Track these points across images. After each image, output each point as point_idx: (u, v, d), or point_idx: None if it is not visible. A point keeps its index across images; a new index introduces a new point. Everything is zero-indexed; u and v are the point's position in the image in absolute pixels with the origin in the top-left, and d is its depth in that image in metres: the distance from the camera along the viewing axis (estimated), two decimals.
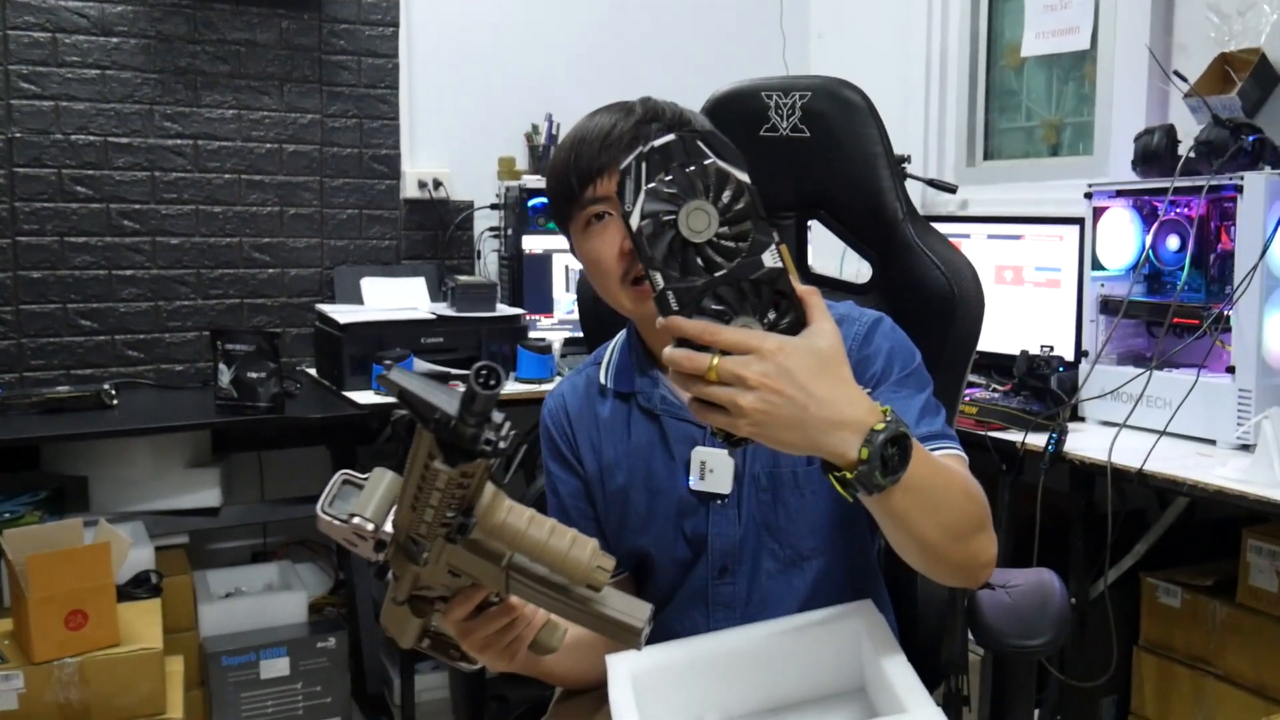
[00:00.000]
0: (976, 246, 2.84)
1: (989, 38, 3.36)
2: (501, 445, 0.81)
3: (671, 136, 0.93)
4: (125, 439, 2.74)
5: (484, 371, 0.77)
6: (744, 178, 0.91)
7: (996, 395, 2.50)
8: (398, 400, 0.81)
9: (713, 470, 1.26)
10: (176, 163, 3.07)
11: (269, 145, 3.16)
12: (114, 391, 2.76)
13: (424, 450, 0.84)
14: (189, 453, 2.90)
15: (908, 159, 3.19)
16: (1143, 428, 2.17)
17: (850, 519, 1.30)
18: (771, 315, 0.93)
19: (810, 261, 1.74)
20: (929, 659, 1.44)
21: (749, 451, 1.28)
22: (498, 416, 0.81)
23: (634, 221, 0.91)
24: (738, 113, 1.64)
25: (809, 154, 1.62)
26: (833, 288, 1.68)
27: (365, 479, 1.00)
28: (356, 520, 0.96)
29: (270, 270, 3.21)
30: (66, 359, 3.00)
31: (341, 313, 2.91)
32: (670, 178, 0.91)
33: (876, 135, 1.60)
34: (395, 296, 3.18)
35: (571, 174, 1.24)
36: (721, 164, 0.91)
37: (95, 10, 2.94)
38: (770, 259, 0.92)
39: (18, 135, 2.89)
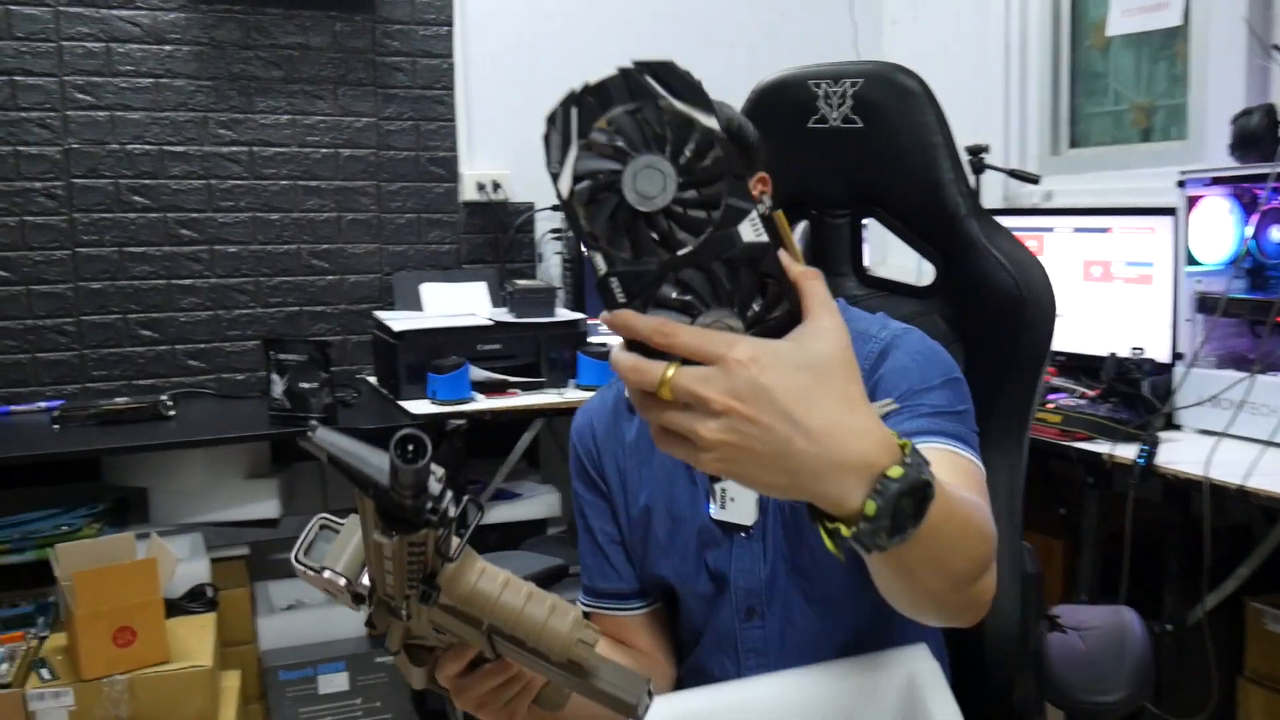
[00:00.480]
0: (1061, 241, 2.66)
1: (1072, 17, 3.16)
2: (450, 512, 0.74)
3: (612, 71, 0.68)
4: (183, 450, 2.72)
5: (405, 444, 0.69)
6: (711, 123, 0.68)
7: (1083, 402, 2.33)
8: (330, 464, 0.74)
9: (734, 499, 1.14)
10: (232, 170, 3.03)
11: (324, 150, 3.12)
12: (171, 402, 2.74)
13: (369, 516, 0.76)
14: (248, 463, 2.86)
15: (986, 149, 3.01)
16: (1245, 437, 2.00)
17: None
18: (755, 307, 0.69)
19: (866, 262, 1.61)
20: (998, 705, 1.30)
21: None
22: (435, 485, 0.73)
23: (563, 186, 0.68)
24: (783, 104, 1.51)
25: (862, 146, 1.49)
26: (891, 291, 1.54)
27: (341, 524, 0.91)
28: (328, 574, 0.88)
29: (329, 277, 3.16)
30: (128, 369, 2.98)
31: (398, 320, 2.85)
32: (611, 126, 0.67)
33: (935, 124, 1.46)
34: (455, 302, 3.11)
35: None
36: (680, 105, 0.67)
37: (148, 19, 2.91)
38: (751, 231, 0.68)
39: (74, 146, 2.88)
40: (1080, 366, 2.48)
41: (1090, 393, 2.36)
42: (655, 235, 0.67)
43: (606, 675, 0.88)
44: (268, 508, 2.84)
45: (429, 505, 0.73)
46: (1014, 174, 2.98)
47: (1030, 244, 2.66)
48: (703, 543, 1.18)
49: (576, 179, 0.67)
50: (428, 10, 3.18)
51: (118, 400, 2.77)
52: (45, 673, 2.19)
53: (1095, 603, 2.19)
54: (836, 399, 0.66)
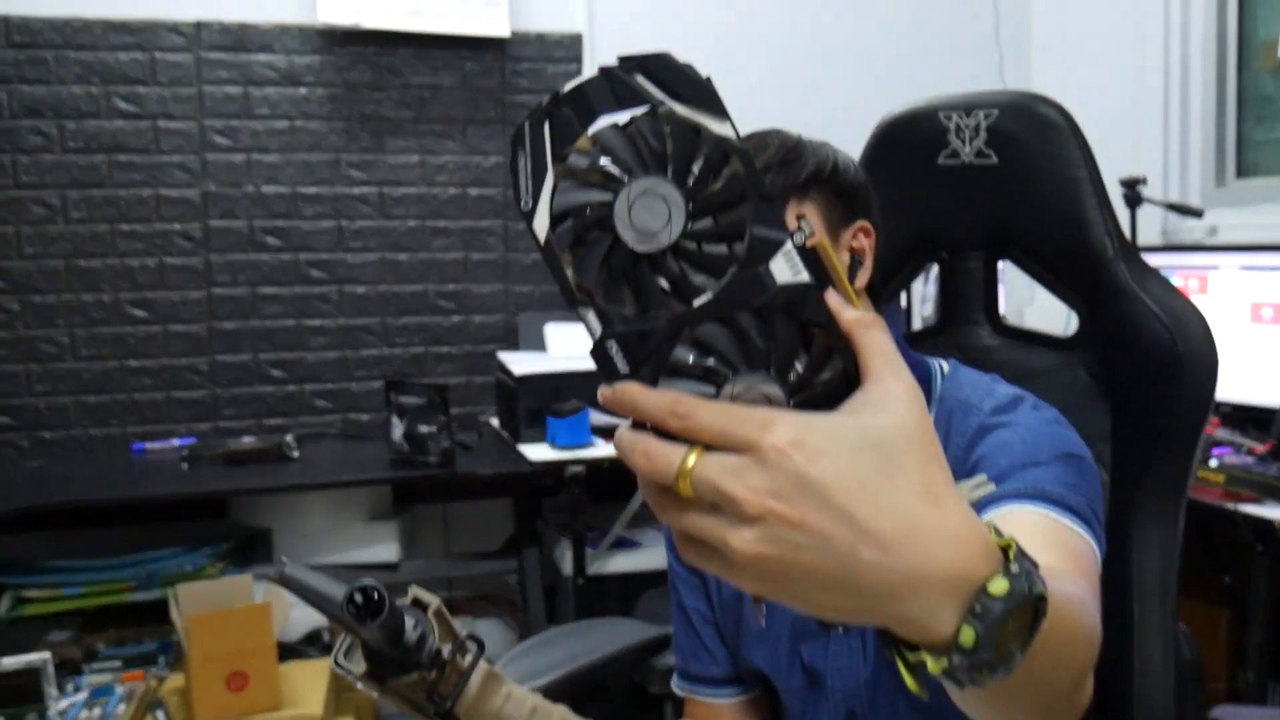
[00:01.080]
0: (1228, 280, 2.44)
1: (1239, 37, 2.93)
2: (442, 653, 0.70)
3: (593, 73, 0.52)
4: (306, 492, 2.72)
5: (356, 601, 0.65)
6: (724, 130, 0.52)
7: (1250, 459, 2.12)
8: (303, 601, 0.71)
9: None
10: (362, 211, 3.05)
11: (453, 190, 3.11)
12: (295, 443, 2.75)
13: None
14: (370, 505, 2.85)
15: (1143, 180, 2.80)
16: None
17: None
18: (798, 368, 0.52)
19: (1002, 309, 1.47)
20: None
21: None
22: (412, 633, 0.68)
23: (539, 227, 0.52)
24: (912, 138, 1.40)
25: (997, 182, 1.36)
26: (1029, 341, 1.40)
27: None
28: (361, 686, 0.83)
29: (455, 317, 3.14)
30: (258, 408, 3.02)
31: (518, 362, 2.80)
32: (596, 144, 0.52)
33: (1079, 157, 1.32)
34: (580, 342, 3.05)
35: None
36: (682, 110, 0.51)
37: (284, 63, 2.96)
38: (787, 269, 0.52)
39: (212, 190, 2.94)
40: (1248, 418, 2.27)
41: (1259, 448, 2.15)
42: (663, 282, 0.52)
43: None
44: (388, 551, 2.82)
45: (408, 652, 0.69)
46: (1174, 207, 2.76)
47: (1193, 283, 2.48)
48: (796, 635, 1.06)
49: (556, 218, 0.52)
50: (557, 48, 3.15)
51: (245, 440, 2.80)
52: (161, 714, 2.20)
53: (1264, 683, 1.98)
54: (913, 490, 0.50)
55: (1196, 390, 1.22)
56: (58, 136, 2.84)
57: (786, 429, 0.49)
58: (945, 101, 1.40)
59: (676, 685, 1.18)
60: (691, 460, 0.49)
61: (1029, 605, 0.52)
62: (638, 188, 0.51)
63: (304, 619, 2.52)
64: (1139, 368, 1.25)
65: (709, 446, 0.49)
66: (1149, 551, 1.23)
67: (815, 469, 0.48)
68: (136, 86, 2.87)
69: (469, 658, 0.74)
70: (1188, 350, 1.22)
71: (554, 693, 1.18)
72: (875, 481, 0.49)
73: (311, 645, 2.50)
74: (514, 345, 3.13)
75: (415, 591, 0.73)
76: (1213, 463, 2.09)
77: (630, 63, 0.52)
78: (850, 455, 0.49)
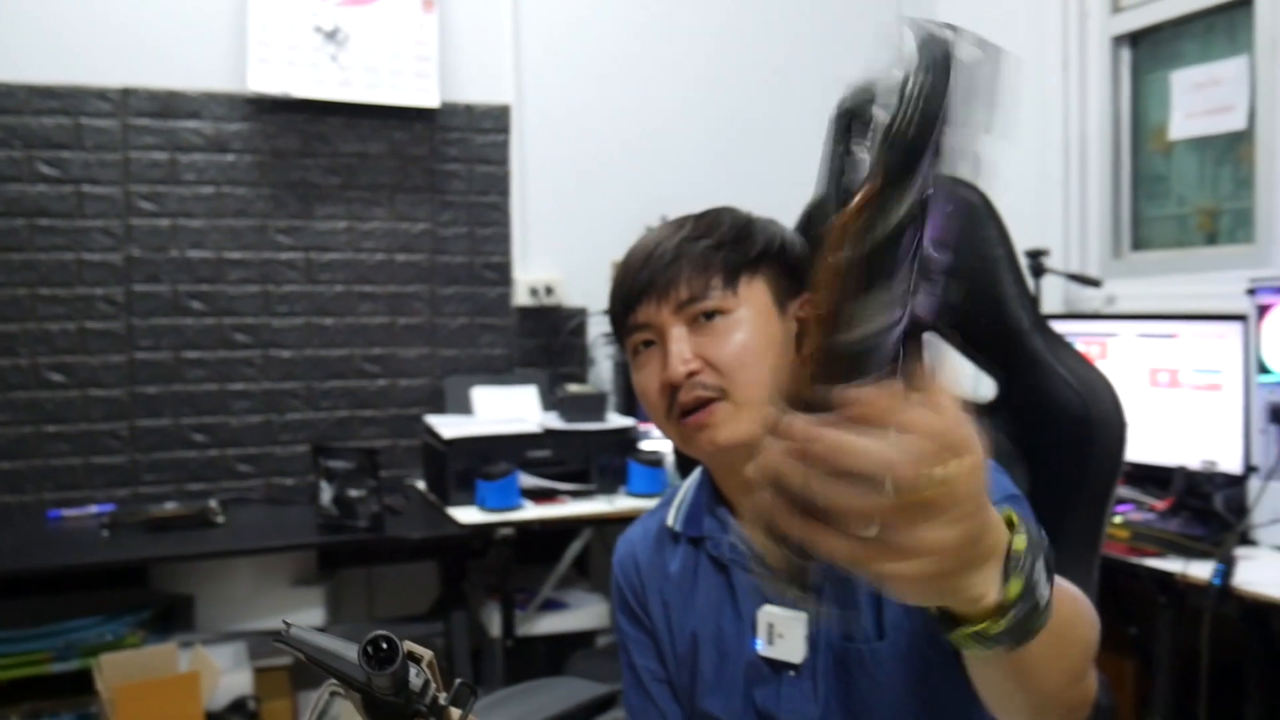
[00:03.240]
0: (1126, 346, 2.59)
1: (1133, 120, 3.12)
2: (439, 699, 0.74)
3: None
4: (229, 558, 2.70)
5: (371, 649, 0.71)
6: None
7: (1152, 515, 2.23)
8: (309, 662, 0.75)
9: (782, 635, 1.07)
10: (289, 275, 3.06)
11: (380, 255, 3.14)
12: (219, 508, 2.73)
13: (358, 708, 0.77)
14: (294, 570, 2.84)
15: (1046, 252, 2.96)
16: None
17: (941, 702, 1.04)
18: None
19: None
20: None
21: (824, 619, 1.08)
22: (417, 680, 0.74)
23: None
24: None
25: None
26: None
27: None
28: None
29: (380, 381, 3.16)
30: (179, 473, 2.98)
31: (447, 425, 2.83)
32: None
33: (997, 237, 1.41)
34: (506, 406, 3.09)
35: (617, 298, 1.12)
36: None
37: (212, 129, 2.98)
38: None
39: (136, 254, 2.93)
40: (1148, 476, 2.39)
41: (1159, 505, 2.26)
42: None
43: None
44: (314, 616, 2.81)
45: (411, 699, 0.73)
46: (1075, 278, 2.92)
47: (1093, 349, 2.62)
48: (750, 680, 1.11)
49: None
50: (485, 118, 3.22)
51: (167, 505, 2.77)
52: None
53: None
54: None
55: (1107, 452, 1.31)
56: None
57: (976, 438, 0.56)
58: None
59: None
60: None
61: (1043, 548, 0.64)
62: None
63: (229, 687, 2.49)
64: (1054, 432, 1.33)
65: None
66: None
67: (986, 474, 0.57)
68: (61, 151, 2.86)
69: (470, 703, 0.79)
70: (1099, 415, 1.31)
71: None
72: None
73: (236, 713, 2.47)
74: (440, 409, 3.15)
75: (409, 645, 0.78)
76: (1117, 519, 2.20)
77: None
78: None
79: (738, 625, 1.13)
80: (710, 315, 1.08)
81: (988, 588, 0.60)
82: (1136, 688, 2.39)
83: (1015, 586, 0.61)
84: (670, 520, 1.21)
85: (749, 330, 1.08)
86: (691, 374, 1.06)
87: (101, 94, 2.88)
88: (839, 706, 1.07)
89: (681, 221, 1.13)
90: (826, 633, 1.07)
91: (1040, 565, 0.63)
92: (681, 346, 1.07)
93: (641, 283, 1.09)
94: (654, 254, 1.09)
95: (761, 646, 1.09)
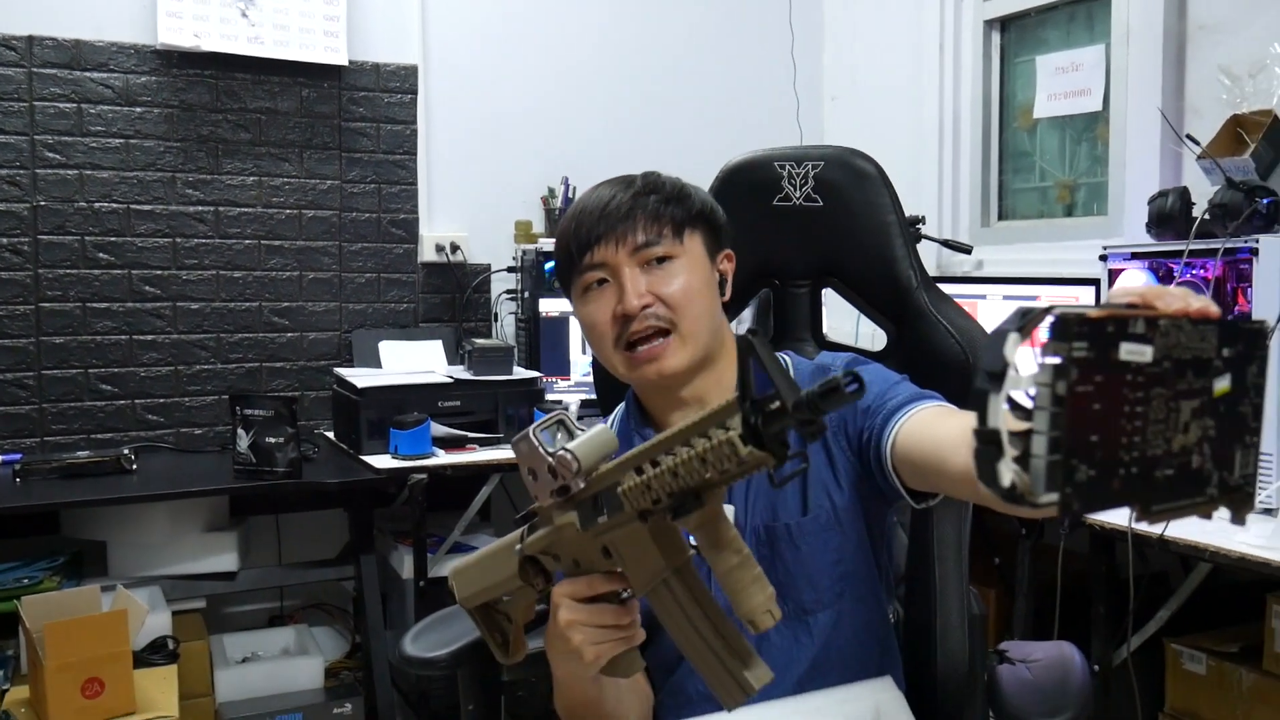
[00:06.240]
0: (993, 307, 2.84)
1: (1001, 100, 3.38)
2: (791, 450, 0.80)
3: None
4: (144, 504, 2.75)
5: (851, 379, 0.75)
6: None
7: None
8: (754, 363, 0.78)
9: None
10: (198, 229, 3.11)
11: (289, 211, 3.20)
12: (133, 456, 2.78)
13: (719, 416, 0.81)
14: (207, 517, 2.90)
15: (922, 220, 3.20)
16: None
17: (852, 572, 1.29)
18: None
19: (826, 329, 1.75)
20: None
21: (749, 504, 1.28)
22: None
23: None
24: (750, 183, 1.65)
25: (822, 223, 1.63)
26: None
27: (582, 427, 1.01)
28: (566, 455, 0.96)
29: (289, 334, 3.23)
30: (87, 423, 3.02)
31: (359, 376, 2.93)
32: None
33: (889, 204, 1.61)
34: (413, 360, 3.20)
35: (572, 242, 1.30)
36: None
37: (120, 81, 2.99)
38: None
39: (43, 204, 2.94)
40: None
41: None
42: None
43: (742, 656, 0.94)
44: (227, 561, 2.88)
45: (789, 438, 0.79)
46: (948, 244, 3.16)
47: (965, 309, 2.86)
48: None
49: None
50: (393, 78, 3.30)
51: (80, 454, 2.81)
52: None
53: None
54: None
55: None
56: None
57: None
58: (779, 153, 1.66)
59: None
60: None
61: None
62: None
63: (148, 628, 2.56)
64: (938, 376, 1.52)
65: None
66: (947, 527, 1.52)
67: None
68: None
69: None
70: (976, 363, 1.52)
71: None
72: None
73: (156, 653, 2.54)
74: (348, 362, 3.24)
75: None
76: None
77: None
78: None
79: None
80: (661, 260, 1.27)
81: None
82: (999, 611, 2.66)
83: None
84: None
85: (692, 273, 1.28)
86: (645, 306, 1.25)
87: (6, 42, 2.87)
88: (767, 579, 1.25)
89: (629, 180, 1.31)
90: (752, 518, 1.27)
91: None
92: (637, 283, 1.26)
93: (600, 229, 1.27)
94: (610, 204, 1.28)
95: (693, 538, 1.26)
